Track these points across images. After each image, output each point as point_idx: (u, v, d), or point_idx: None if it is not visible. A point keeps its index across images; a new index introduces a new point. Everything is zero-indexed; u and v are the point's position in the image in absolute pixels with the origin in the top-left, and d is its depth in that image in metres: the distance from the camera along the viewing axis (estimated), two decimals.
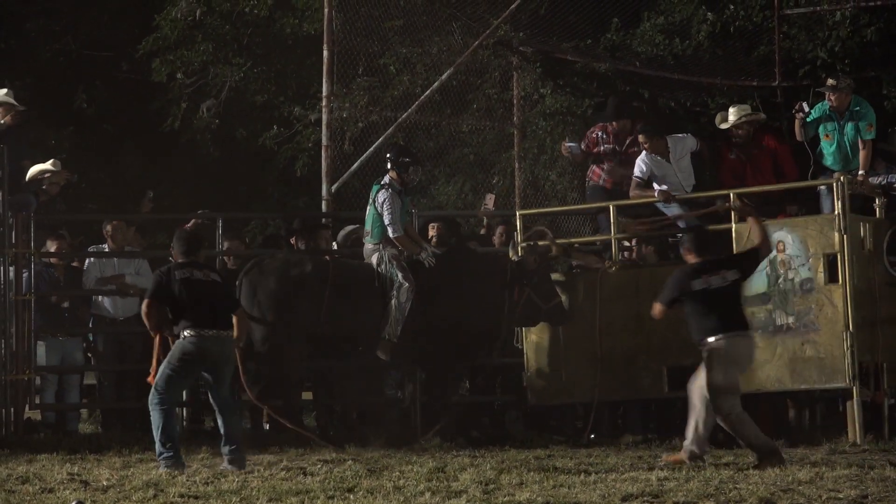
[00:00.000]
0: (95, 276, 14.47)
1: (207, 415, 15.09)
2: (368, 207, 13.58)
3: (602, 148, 14.78)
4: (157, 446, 11.01)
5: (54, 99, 21.96)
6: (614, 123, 14.77)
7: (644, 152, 14.21)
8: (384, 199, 13.36)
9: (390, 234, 13.38)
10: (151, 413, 11.09)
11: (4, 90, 14.55)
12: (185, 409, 14.60)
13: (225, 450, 11.12)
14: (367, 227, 13.57)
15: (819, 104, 14.12)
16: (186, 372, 11.20)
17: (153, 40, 20.62)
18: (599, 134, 14.83)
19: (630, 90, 16.65)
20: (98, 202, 20.66)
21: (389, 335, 13.27)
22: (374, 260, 13.44)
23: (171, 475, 10.44)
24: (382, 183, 13.51)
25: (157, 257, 15.00)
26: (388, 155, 13.73)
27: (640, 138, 14.24)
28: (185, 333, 11.12)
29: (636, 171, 14.23)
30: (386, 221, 13.35)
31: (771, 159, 14.28)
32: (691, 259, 11.34)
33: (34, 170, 14.61)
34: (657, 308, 11.38)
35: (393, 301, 13.26)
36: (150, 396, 11.14)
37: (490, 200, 16.09)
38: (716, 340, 10.97)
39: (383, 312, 13.28)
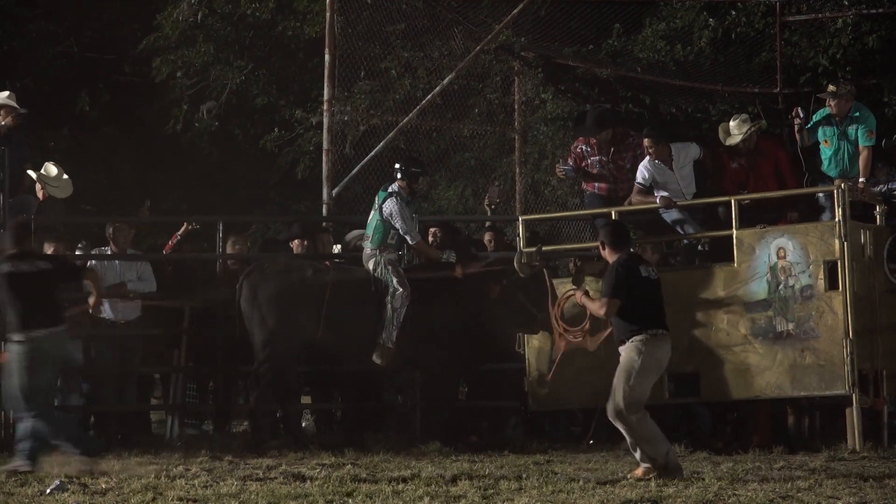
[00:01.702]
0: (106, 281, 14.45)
1: (207, 418, 15.11)
2: (372, 213, 13.56)
3: (589, 161, 14.72)
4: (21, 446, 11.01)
5: (55, 101, 21.97)
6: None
7: (647, 158, 14.17)
8: (392, 209, 13.35)
9: (409, 242, 13.45)
10: (22, 425, 11.07)
11: (6, 93, 14.55)
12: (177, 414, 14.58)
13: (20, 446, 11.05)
14: (368, 231, 13.57)
15: (820, 110, 14.11)
16: (33, 374, 10.98)
17: (153, 39, 20.63)
18: (584, 147, 14.77)
19: (630, 95, 16.66)
20: (96, 204, 20.67)
21: (385, 341, 13.28)
22: (370, 265, 13.46)
23: (169, 477, 10.44)
24: (390, 191, 13.48)
25: (159, 260, 15.04)
26: (397, 165, 13.68)
27: (646, 142, 14.19)
28: (15, 338, 11.01)
29: (638, 178, 14.19)
30: (402, 231, 13.36)
31: (773, 166, 14.25)
32: (611, 254, 10.90)
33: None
34: (608, 304, 10.77)
35: (388, 307, 13.27)
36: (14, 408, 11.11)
37: (494, 192, 16.10)
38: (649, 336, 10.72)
39: (379, 318, 13.30)
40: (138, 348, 14.42)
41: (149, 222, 15.87)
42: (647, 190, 14.13)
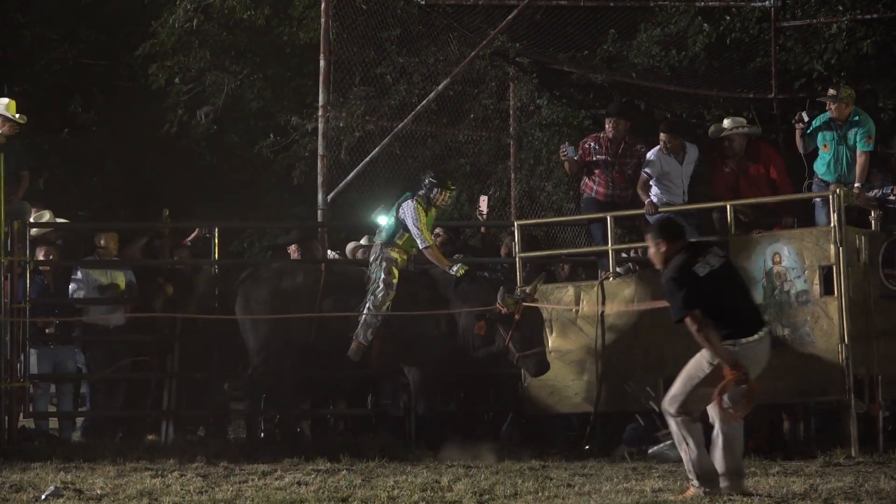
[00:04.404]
0: (89, 285, 14.45)
1: (201, 424, 15.09)
2: (389, 215, 13.48)
3: (595, 158, 14.73)
4: None
5: (50, 106, 21.97)
6: (608, 130, 14.65)
7: (659, 148, 14.26)
8: (407, 211, 13.28)
9: (420, 246, 13.31)
10: None
11: (6, 100, 14.51)
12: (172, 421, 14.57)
13: None
14: (383, 229, 13.51)
15: (820, 115, 14.12)
16: None
17: (150, 46, 20.64)
18: (592, 144, 14.80)
19: (625, 101, 16.66)
20: (91, 210, 20.68)
21: (358, 336, 13.23)
22: (371, 257, 13.41)
23: (164, 483, 10.44)
24: (416, 195, 13.43)
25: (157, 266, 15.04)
26: (431, 178, 13.51)
27: (662, 136, 14.31)
28: None
29: (646, 166, 14.30)
30: (413, 233, 13.27)
31: (765, 171, 14.28)
32: (663, 249, 9.61)
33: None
34: (691, 318, 9.36)
35: (368, 304, 13.22)
36: None
37: (483, 203, 16.08)
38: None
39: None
40: (126, 353, 14.48)
41: (150, 228, 15.81)
42: (651, 182, 14.21)
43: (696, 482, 9.55)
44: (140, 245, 15.04)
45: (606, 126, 14.69)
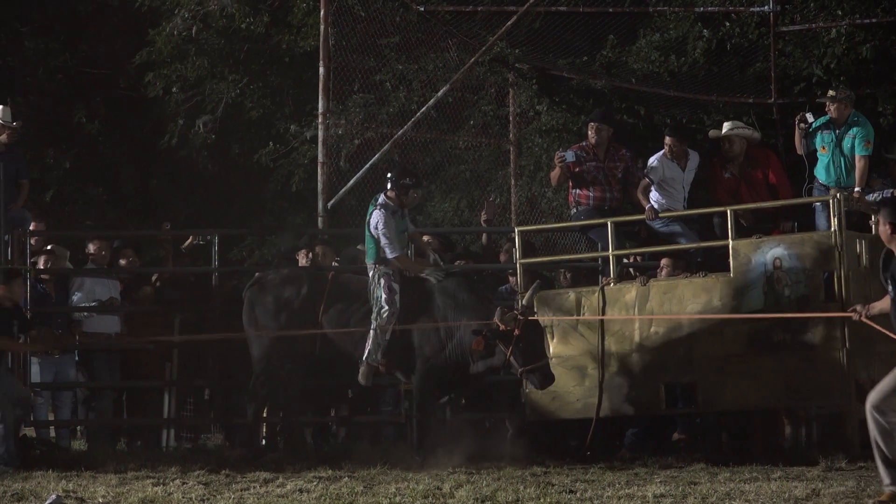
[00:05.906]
0: (86, 293, 14.48)
1: (203, 432, 15.11)
2: (366, 227, 13.36)
3: (585, 166, 14.54)
4: None
5: (52, 117, 22.01)
6: (591, 136, 14.46)
7: (662, 153, 14.19)
8: (377, 221, 12.97)
9: (388, 255, 12.98)
10: None
11: (0, 107, 14.54)
12: (174, 428, 14.58)
13: None
14: (365, 246, 13.38)
15: (820, 117, 14.11)
16: None
17: (147, 53, 20.66)
18: (578, 153, 14.63)
19: (625, 106, 16.70)
20: (94, 219, 20.69)
21: (370, 359, 13.07)
22: (369, 276, 13.26)
23: (166, 491, 10.44)
24: (378, 203, 13.14)
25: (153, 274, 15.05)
26: (388, 175, 13.27)
27: (668, 140, 14.20)
28: None
29: (647, 171, 14.20)
30: (382, 243, 12.99)
31: (764, 176, 14.28)
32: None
33: None
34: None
35: (374, 324, 13.03)
36: None
37: (491, 208, 16.10)
38: None
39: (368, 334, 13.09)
40: (118, 360, 14.52)
41: (149, 236, 15.86)
42: (650, 190, 14.17)
43: (893, 485, 9.45)
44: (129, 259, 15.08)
45: (589, 133, 14.51)
